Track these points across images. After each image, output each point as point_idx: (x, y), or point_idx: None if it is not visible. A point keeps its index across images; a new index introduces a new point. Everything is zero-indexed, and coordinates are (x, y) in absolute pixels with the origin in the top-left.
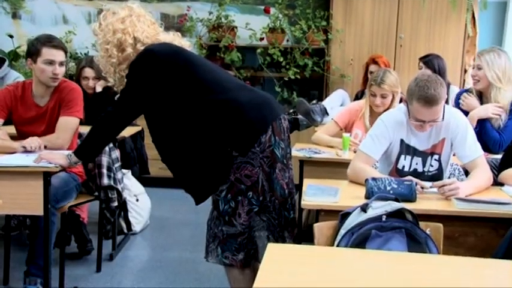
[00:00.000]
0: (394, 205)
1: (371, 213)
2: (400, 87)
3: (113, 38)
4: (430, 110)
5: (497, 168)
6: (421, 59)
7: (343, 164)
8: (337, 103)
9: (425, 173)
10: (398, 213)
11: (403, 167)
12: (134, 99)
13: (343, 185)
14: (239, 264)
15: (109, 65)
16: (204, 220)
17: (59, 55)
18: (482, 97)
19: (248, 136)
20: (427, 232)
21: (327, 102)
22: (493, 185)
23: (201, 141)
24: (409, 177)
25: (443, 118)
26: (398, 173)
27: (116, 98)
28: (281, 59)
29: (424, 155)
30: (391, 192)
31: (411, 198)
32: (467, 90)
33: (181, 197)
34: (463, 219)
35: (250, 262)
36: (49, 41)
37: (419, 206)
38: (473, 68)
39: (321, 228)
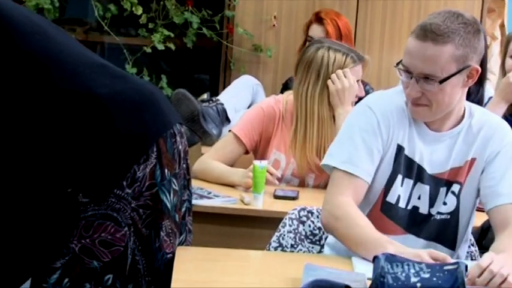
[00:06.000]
0: None
1: None
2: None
3: None
4: (421, 46)
5: None
6: None
7: (254, 220)
8: (245, 100)
9: (432, 218)
10: None
11: (398, 200)
12: None
13: (255, 261)
14: None
15: None
16: None
17: None
18: None
19: (110, 165)
20: None
21: (228, 99)
22: None
23: (16, 172)
24: (446, 256)
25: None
26: (385, 212)
27: None
28: (139, 12)
29: (435, 183)
30: (419, 286)
31: None
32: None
33: None
34: None
35: None
36: None
37: None
38: None
39: None
